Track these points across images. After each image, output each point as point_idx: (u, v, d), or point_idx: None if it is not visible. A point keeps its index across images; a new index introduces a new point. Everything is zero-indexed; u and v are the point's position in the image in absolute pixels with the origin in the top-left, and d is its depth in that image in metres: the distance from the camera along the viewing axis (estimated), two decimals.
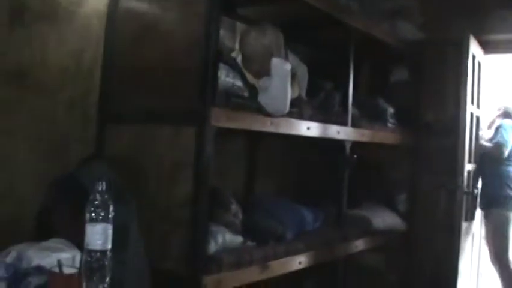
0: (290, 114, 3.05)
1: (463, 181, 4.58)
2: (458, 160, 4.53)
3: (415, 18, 4.70)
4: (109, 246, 2.08)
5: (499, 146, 4.78)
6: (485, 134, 5.03)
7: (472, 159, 4.76)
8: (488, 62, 5.00)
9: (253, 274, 2.85)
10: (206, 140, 2.49)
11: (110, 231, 2.09)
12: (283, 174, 4.33)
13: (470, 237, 4.84)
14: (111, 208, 2.09)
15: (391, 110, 4.39)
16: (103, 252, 2.06)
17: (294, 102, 3.05)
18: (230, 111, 2.62)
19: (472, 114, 4.71)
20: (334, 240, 3.60)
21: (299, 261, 3.21)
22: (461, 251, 4.63)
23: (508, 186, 4.81)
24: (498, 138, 4.82)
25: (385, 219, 4.25)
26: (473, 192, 4.78)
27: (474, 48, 4.46)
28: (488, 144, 4.88)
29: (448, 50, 4.68)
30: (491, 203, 4.84)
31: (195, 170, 2.53)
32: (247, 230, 2.91)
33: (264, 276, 2.94)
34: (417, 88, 4.81)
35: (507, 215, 4.78)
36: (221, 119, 2.54)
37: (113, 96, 2.95)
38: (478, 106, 4.88)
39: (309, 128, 3.19)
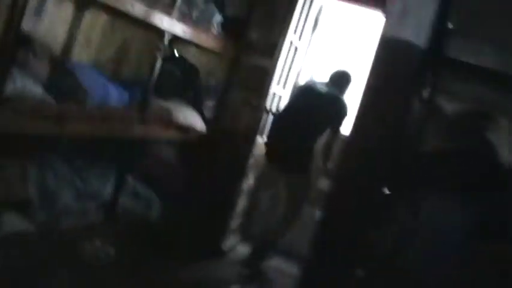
0: None
1: (267, 101, 4.97)
2: (267, 81, 4.90)
3: None
4: None
5: None
6: None
7: (282, 84, 5.14)
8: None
9: (46, 127, 2.95)
10: None
11: None
12: (104, 51, 4.38)
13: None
14: None
15: (218, 17, 4.59)
16: None
17: None
18: None
19: (291, 43, 5.06)
20: (132, 120, 3.76)
21: (95, 127, 3.36)
22: (248, 168, 5.02)
23: None
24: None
25: (187, 117, 4.47)
26: (273, 113, 5.16)
27: None
28: None
29: None
30: None
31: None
32: (50, 86, 2.96)
33: (56, 131, 3.06)
34: (249, 3, 4.96)
35: None
36: None
37: None
38: (300, 38, 5.23)
39: (132, 6, 3.27)
